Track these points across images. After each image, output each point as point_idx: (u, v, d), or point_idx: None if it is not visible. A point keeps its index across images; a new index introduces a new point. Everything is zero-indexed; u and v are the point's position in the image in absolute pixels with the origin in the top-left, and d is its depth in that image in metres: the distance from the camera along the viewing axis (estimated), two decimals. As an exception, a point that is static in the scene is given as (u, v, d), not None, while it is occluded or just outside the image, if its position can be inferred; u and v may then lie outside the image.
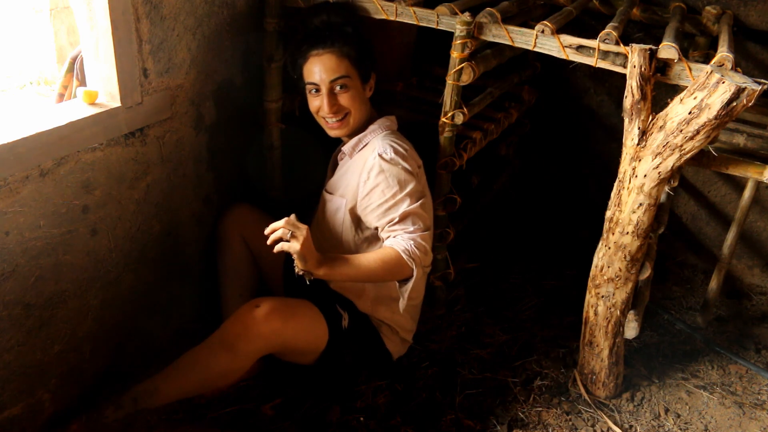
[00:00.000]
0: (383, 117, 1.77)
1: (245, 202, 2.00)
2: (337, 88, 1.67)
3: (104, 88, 1.55)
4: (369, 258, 1.60)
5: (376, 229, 1.68)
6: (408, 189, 1.63)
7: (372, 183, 1.64)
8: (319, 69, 1.65)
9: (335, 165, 1.88)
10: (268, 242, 1.49)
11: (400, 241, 1.60)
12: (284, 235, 1.47)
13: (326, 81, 1.65)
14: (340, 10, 1.74)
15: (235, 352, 1.58)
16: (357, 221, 1.74)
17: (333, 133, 1.75)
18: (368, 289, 1.78)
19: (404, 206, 1.62)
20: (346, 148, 1.77)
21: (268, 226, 1.51)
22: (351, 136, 1.76)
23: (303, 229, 1.48)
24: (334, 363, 1.76)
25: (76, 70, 2.14)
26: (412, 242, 1.60)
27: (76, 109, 1.48)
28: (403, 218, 1.62)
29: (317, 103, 1.70)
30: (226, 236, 1.94)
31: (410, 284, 1.64)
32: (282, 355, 1.70)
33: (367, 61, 1.71)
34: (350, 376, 1.84)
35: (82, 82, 2.09)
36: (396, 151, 1.65)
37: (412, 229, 1.62)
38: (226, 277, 1.95)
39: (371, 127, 1.74)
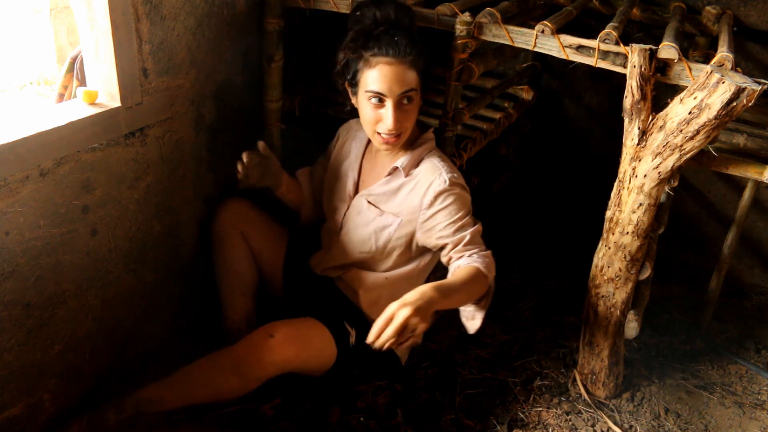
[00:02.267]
0: (428, 131, 1.73)
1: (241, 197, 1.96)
2: (405, 101, 1.56)
3: (104, 88, 1.54)
4: (464, 279, 1.53)
5: (436, 248, 1.67)
6: (470, 211, 1.66)
7: (441, 205, 1.62)
8: (389, 80, 1.52)
9: (358, 169, 1.81)
10: (382, 345, 1.38)
11: (477, 259, 1.59)
12: (408, 332, 1.36)
13: (396, 93, 1.54)
14: (407, 11, 1.61)
15: (247, 378, 1.57)
16: (408, 241, 1.71)
17: (384, 147, 1.64)
18: (383, 299, 1.75)
19: (472, 227, 1.63)
20: (401, 163, 1.67)
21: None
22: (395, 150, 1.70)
23: (419, 311, 1.36)
24: (341, 375, 1.75)
25: (76, 70, 2.14)
26: (487, 259, 1.60)
27: (76, 109, 1.48)
28: (473, 237, 1.62)
29: (376, 116, 1.58)
30: (224, 232, 1.89)
31: (489, 301, 1.61)
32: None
33: (427, 73, 1.62)
34: (359, 382, 1.84)
35: (82, 82, 2.09)
36: (459, 176, 1.66)
37: (482, 248, 1.63)
38: (226, 275, 1.91)
39: (422, 143, 1.70)
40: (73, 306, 1.59)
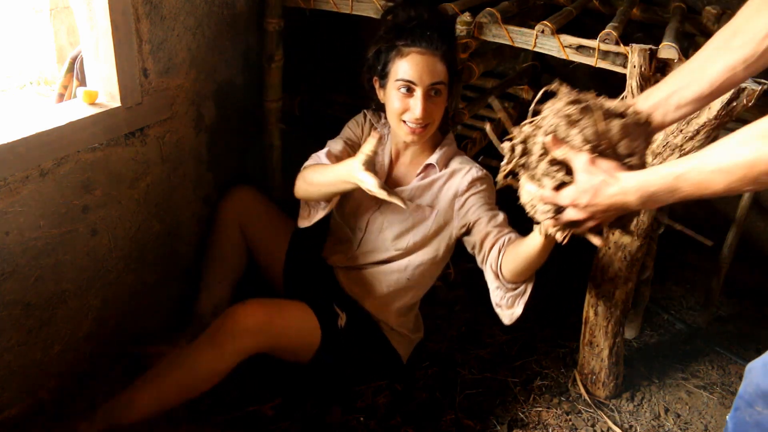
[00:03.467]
0: (448, 134, 1.78)
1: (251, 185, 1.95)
2: (432, 93, 1.58)
3: (104, 88, 1.55)
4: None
5: (470, 227, 1.66)
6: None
7: (476, 189, 1.67)
8: (420, 69, 1.55)
9: (382, 168, 1.77)
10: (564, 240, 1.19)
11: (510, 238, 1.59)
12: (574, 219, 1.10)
13: (426, 83, 1.55)
14: (440, 15, 1.70)
15: (222, 349, 1.50)
16: (441, 233, 1.72)
17: (410, 138, 1.62)
18: (376, 290, 1.76)
19: (502, 214, 1.66)
20: (435, 159, 1.70)
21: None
22: (422, 149, 1.73)
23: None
24: (333, 362, 1.73)
25: (76, 70, 2.14)
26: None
27: (76, 109, 1.48)
28: (505, 221, 1.65)
29: (404, 105, 1.58)
30: (221, 220, 1.90)
31: (531, 286, 1.57)
32: (273, 353, 1.63)
33: (455, 67, 1.65)
34: (357, 377, 1.83)
35: (82, 82, 2.09)
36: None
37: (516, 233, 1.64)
38: (211, 260, 1.91)
39: (449, 143, 1.75)
40: (73, 306, 1.59)
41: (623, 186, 1.01)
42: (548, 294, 2.34)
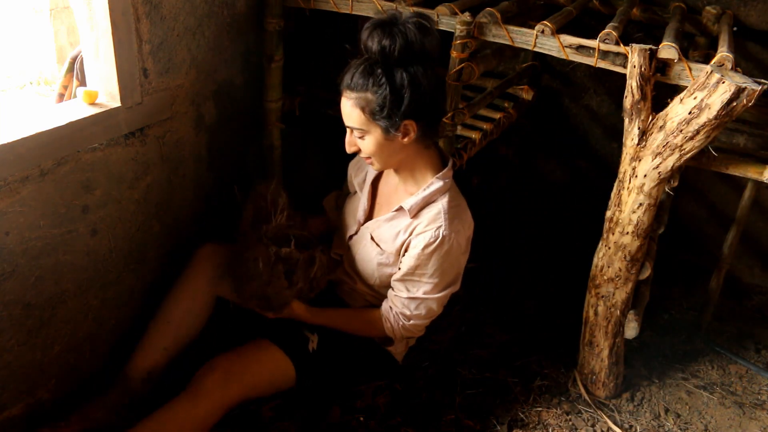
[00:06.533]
0: (446, 169, 1.61)
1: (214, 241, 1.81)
2: (355, 132, 1.52)
3: (104, 88, 1.54)
4: (356, 316, 1.72)
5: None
6: (438, 280, 1.59)
7: (417, 253, 1.56)
8: (342, 109, 1.51)
9: (368, 193, 1.75)
10: None
11: (393, 315, 1.64)
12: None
13: (346, 123, 1.53)
14: (401, 45, 1.42)
15: (197, 408, 1.49)
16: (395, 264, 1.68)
17: (372, 168, 1.61)
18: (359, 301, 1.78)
19: (422, 290, 1.59)
20: (408, 205, 1.59)
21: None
22: (404, 179, 1.63)
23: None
24: (315, 384, 1.72)
25: (76, 70, 2.14)
26: (404, 323, 1.63)
27: (76, 109, 1.48)
28: (412, 299, 1.61)
29: None
30: (182, 284, 1.74)
31: (394, 347, 1.72)
32: (254, 395, 1.63)
33: (393, 111, 1.45)
34: (353, 381, 1.83)
35: (82, 82, 2.09)
36: (461, 241, 1.57)
37: (411, 313, 1.61)
38: (161, 318, 1.71)
39: (434, 184, 1.58)
40: (73, 306, 1.59)
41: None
42: (548, 294, 2.34)
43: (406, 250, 1.60)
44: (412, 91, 1.44)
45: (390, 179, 1.72)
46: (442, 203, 1.57)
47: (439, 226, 1.54)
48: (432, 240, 1.54)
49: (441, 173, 1.60)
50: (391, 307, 1.65)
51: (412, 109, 1.45)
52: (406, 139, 1.51)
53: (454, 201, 1.60)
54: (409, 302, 1.62)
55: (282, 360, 1.64)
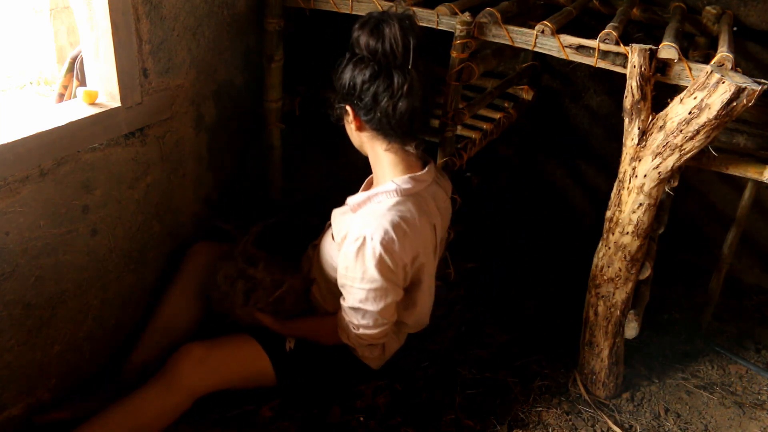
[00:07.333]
0: (408, 176, 1.53)
1: (211, 240, 1.88)
2: None
3: (104, 88, 1.55)
4: (323, 325, 1.69)
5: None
6: (368, 286, 1.48)
7: (344, 250, 1.50)
8: None
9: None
10: None
11: (344, 324, 1.60)
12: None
13: None
14: (376, 48, 1.45)
15: (169, 389, 1.53)
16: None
17: None
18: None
19: (357, 298, 1.52)
20: (352, 201, 1.57)
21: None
22: (375, 180, 1.63)
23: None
24: (295, 383, 1.73)
25: (76, 70, 2.15)
26: (355, 332, 1.58)
27: (76, 109, 1.49)
28: (354, 310, 1.54)
29: None
30: (176, 283, 1.80)
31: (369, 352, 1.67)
32: (230, 385, 1.65)
33: (336, 91, 1.54)
34: (346, 379, 1.82)
35: (82, 82, 2.09)
36: (387, 246, 1.44)
37: (359, 323, 1.56)
38: (159, 316, 1.77)
39: (386, 185, 1.53)
40: (73, 306, 1.59)
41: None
42: (548, 294, 2.34)
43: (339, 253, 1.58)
44: (343, 73, 1.51)
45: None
46: (382, 205, 1.49)
47: (366, 225, 1.46)
48: (355, 238, 1.46)
49: (401, 178, 1.52)
50: (343, 316, 1.60)
51: (345, 93, 1.53)
52: (353, 125, 1.56)
53: (400, 212, 1.48)
54: (351, 312, 1.56)
55: (258, 355, 1.65)
